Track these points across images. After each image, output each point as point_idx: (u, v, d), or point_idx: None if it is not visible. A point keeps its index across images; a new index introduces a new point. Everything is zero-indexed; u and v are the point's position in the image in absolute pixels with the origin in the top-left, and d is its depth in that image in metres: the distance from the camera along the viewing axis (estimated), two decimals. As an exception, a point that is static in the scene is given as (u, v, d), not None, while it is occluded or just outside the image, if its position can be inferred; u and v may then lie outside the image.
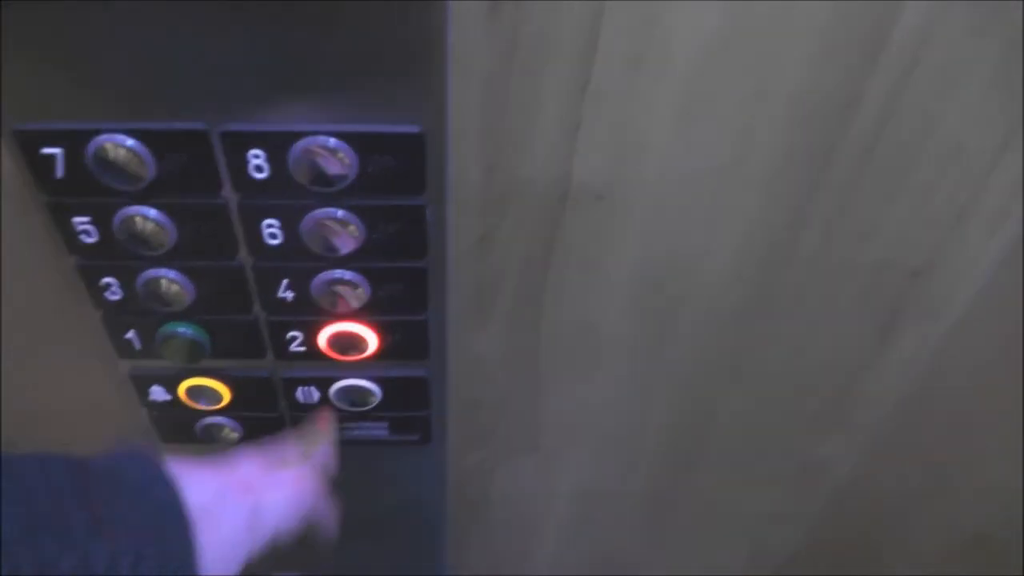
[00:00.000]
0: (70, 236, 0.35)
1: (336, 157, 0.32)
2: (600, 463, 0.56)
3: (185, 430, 0.46)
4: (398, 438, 0.48)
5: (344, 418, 0.46)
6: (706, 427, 0.52)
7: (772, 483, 0.57)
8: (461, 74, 0.32)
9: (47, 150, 0.32)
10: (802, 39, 0.32)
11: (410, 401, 0.45)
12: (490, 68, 0.32)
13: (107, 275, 0.37)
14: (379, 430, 0.47)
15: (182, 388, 0.43)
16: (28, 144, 0.32)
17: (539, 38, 0.31)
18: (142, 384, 0.43)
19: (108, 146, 0.31)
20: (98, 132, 0.31)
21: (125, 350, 0.41)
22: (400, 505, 0.57)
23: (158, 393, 0.43)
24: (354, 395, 0.44)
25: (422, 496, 0.56)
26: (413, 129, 0.32)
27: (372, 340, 0.40)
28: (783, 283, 0.42)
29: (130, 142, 0.32)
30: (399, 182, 0.33)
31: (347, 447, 0.49)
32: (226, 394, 0.43)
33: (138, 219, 0.34)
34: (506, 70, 0.32)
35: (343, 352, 0.41)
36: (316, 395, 0.44)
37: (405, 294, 0.38)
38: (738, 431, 0.52)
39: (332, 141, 0.32)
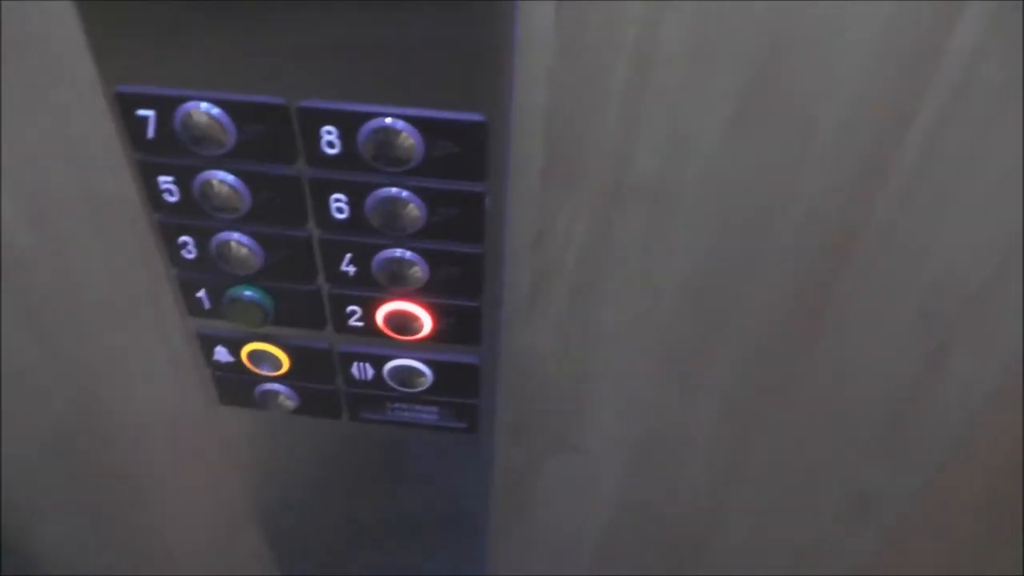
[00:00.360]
0: (155, 194, 0.39)
1: (403, 139, 0.35)
2: (643, 473, 0.57)
3: (244, 393, 0.49)
4: (446, 424, 0.50)
5: (394, 399, 0.49)
6: (751, 445, 0.54)
7: (818, 513, 0.58)
8: (527, 68, 0.35)
9: (141, 112, 0.36)
10: (855, 50, 0.33)
11: (460, 387, 0.48)
12: (554, 64, 0.35)
13: (184, 234, 0.41)
14: (428, 414, 0.50)
15: (245, 351, 0.47)
16: (126, 105, 0.36)
17: (602, 36, 0.34)
18: (208, 344, 0.47)
19: (194, 112, 0.35)
20: (187, 99, 0.35)
21: (195, 308, 0.44)
22: (443, 499, 0.60)
23: (222, 354, 0.47)
24: (406, 375, 0.47)
25: (466, 490, 0.59)
26: (478, 118, 0.35)
27: (427, 321, 0.43)
28: (832, 299, 0.43)
29: (215, 110, 0.35)
30: (461, 168, 0.36)
31: (394, 434, 0.52)
32: (286, 362, 0.47)
33: (215, 183, 0.38)
34: (569, 66, 0.35)
35: (399, 331, 0.44)
36: (371, 372, 0.47)
37: (461, 278, 0.41)
38: (783, 453, 0.54)
39: (400, 123, 0.35)
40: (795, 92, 0.35)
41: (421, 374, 0.46)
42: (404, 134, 0.35)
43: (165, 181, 0.38)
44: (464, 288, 0.42)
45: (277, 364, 0.47)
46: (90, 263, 0.48)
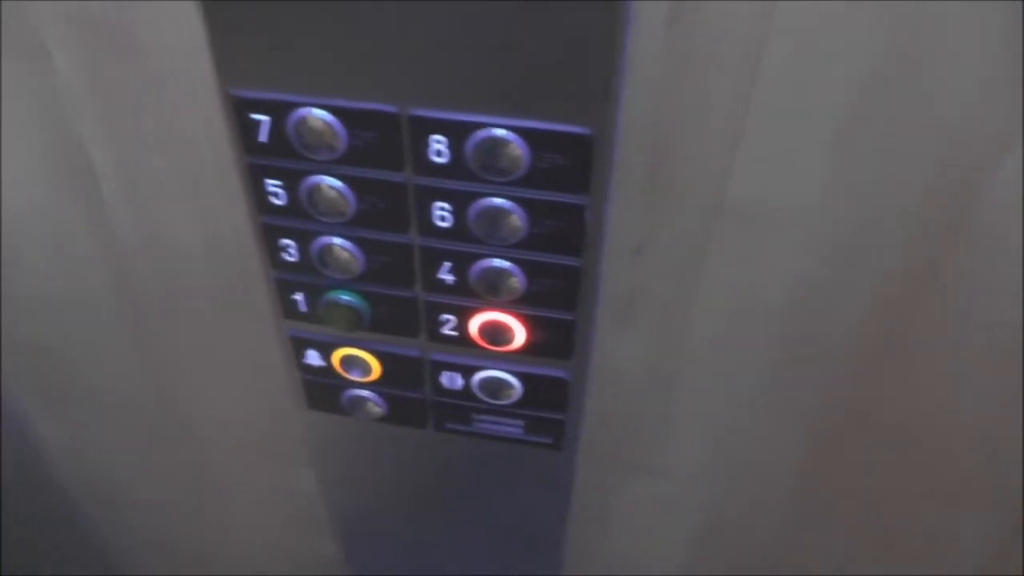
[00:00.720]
0: (261, 196, 0.41)
1: (511, 149, 0.36)
2: (726, 501, 0.58)
3: (332, 399, 0.51)
4: (531, 439, 0.52)
5: (481, 411, 0.50)
6: (833, 480, 0.54)
7: (898, 554, 0.58)
8: (635, 81, 0.36)
9: (255, 116, 0.38)
10: (958, 78, 0.34)
11: (548, 402, 0.49)
12: (662, 78, 0.36)
13: (287, 237, 0.43)
14: (514, 428, 0.51)
15: (336, 356, 0.49)
16: (240, 109, 0.38)
17: (709, 52, 0.35)
18: (299, 347, 0.49)
19: (308, 118, 0.37)
20: (301, 104, 0.37)
21: (290, 311, 0.47)
22: (520, 517, 0.61)
23: (313, 357, 0.49)
24: (495, 387, 0.48)
25: (544, 509, 0.60)
26: (585, 131, 0.36)
27: (520, 333, 0.45)
28: (916, 332, 0.44)
29: (328, 116, 0.37)
30: (565, 180, 0.38)
31: (477, 448, 0.54)
32: (376, 368, 0.49)
33: (323, 187, 0.40)
34: (676, 81, 0.36)
35: (491, 341, 0.45)
36: (460, 382, 0.49)
37: (557, 290, 0.42)
38: (866, 490, 0.54)
39: (509, 134, 0.36)
40: (896, 116, 0.36)
41: (510, 386, 0.48)
42: (512, 145, 0.36)
43: (272, 184, 0.41)
44: (560, 301, 0.43)
45: (367, 370, 0.49)
46: (189, 264, 0.50)
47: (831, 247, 0.42)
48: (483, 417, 0.51)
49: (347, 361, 0.49)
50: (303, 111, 0.37)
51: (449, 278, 0.43)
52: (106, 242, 0.50)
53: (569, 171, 0.38)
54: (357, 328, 0.45)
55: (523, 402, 0.49)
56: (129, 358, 0.59)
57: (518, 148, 0.37)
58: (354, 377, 0.49)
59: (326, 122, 0.37)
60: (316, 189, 0.40)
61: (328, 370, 0.49)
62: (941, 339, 0.45)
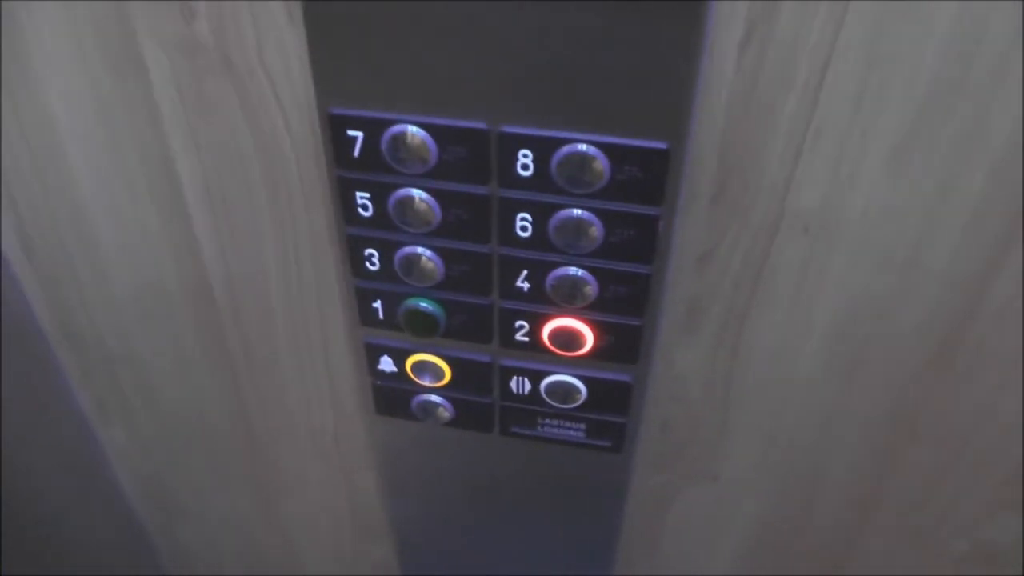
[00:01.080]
0: (350, 208, 0.45)
1: (595, 163, 0.40)
2: (779, 506, 0.61)
3: (402, 404, 0.55)
4: (592, 443, 0.55)
5: (547, 415, 0.54)
6: (881, 487, 0.57)
7: (950, 561, 0.60)
8: (708, 100, 0.40)
9: (351, 132, 0.42)
10: (1013, 93, 0.37)
11: (611, 405, 0.52)
12: (732, 97, 0.40)
13: (372, 247, 0.46)
14: (576, 431, 0.54)
15: (409, 362, 0.52)
16: (337, 125, 0.42)
17: (777, 70, 0.38)
18: (374, 353, 0.52)
19: (405, 134, 0.41)
20: (395, 122, 0.41)
21: (368, 318, 0.50)
22: (574, 522, 0.64)
23: (386, 363, 0.52)
24: (562, 391, 0.51)
25: (599, 514, 0.63)
26: (661, 145, 0.39)
27: (589, 338, 0.48)
28: (970, 340, 0.47)
29: (421, 133, 0.41)
30: (641, 192, 0.41)
31: (538, 452, 0.57)
32: (447, 373, 0.52)
33: (412, 199, 0.43)
34: (745, 100, 0.40)
35: (561, 347, 0.49)
36: (528, 386, 0.52)
37: (627, 297, 0.46)
38: (912, 495, 0.57)
39: (592, 149, 0.40)
40: (951, 131, 0.39)
41: (577, 390, 0.51)
42: (595, 159, 0.40)
43: (362, 196, 0.44)
44: (629, 307, 0.46)
45: (439, 375, 0.52)
46: (264, 275, 0.54)
47: (889, 258, 0.45)
48: (547, 421, 0.54)
49: (419, 367, 0.52)
50: (399, 128, 0.41)
51: (525, 286, 0.46)
52: (186, 252, 0.53)
53: (645, 183, 0.41)
54: (433, 335, 0.49)
55: (587, 406, 0.52)
56: (196, 363, 0.62)
57: (600, 162, 0.40)
58: (425, 382, 0.53)
59: (419, 139, 0.41)
60: (407, 201, 0.43)
61: (400, 375, 0.53)
62: (999, 349, 0.47)
